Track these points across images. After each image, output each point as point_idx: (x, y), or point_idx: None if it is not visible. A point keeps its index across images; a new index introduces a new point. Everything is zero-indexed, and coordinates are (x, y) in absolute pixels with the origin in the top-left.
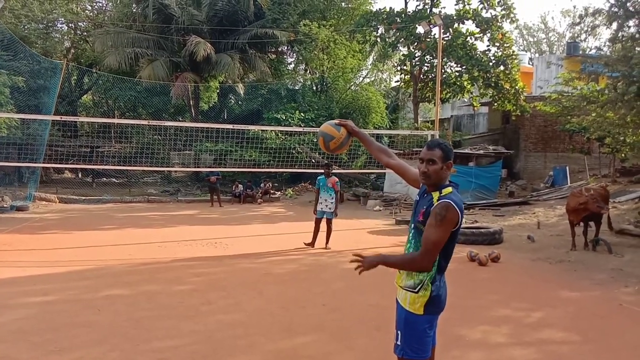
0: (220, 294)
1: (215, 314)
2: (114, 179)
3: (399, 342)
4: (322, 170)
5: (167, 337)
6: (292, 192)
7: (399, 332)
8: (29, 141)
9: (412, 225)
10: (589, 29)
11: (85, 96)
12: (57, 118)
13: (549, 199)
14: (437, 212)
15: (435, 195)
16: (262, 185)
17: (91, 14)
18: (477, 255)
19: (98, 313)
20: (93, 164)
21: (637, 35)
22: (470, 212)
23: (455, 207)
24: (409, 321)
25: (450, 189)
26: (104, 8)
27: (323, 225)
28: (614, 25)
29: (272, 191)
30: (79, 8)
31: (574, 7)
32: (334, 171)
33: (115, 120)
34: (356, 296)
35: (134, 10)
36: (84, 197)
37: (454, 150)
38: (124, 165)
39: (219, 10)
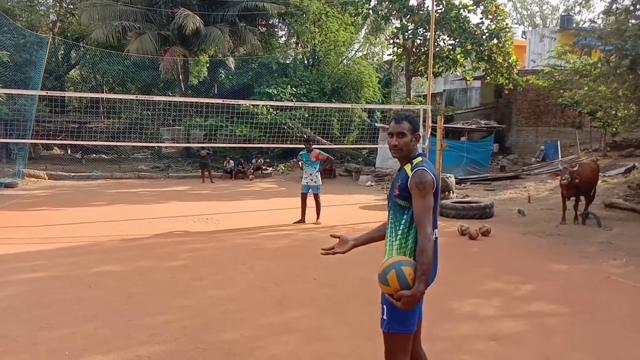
0: (212, 270)
1: (206, 289)
2: (103, 155)
3: (385, 317)
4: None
5: (158, 312)
6: (283, 168)
7: (384, 306)
8: (16, 117)
9: (390, 199)
10: (583, 2)
11: (72, 71)
12: (44, 93)
13: (540, 173)
14: (416, 181)
15: (408, 167)
16: (253, 161)
17: None
18: (468, 230)
19: (89, 289)
20: (82, 140)
21: (631, 8)
22: (462, 186)
23: (428, 171)
24: None
25: (420, 158)
26: None
27: (311, 201)
28: None
29: (263, 167)
30: None
31: None
32: (325, 147)
33: (104, 95)
34: (348, 271)
35: None
36: (73, 174)
37: (446, 125)
38: (113, 141)
39: None
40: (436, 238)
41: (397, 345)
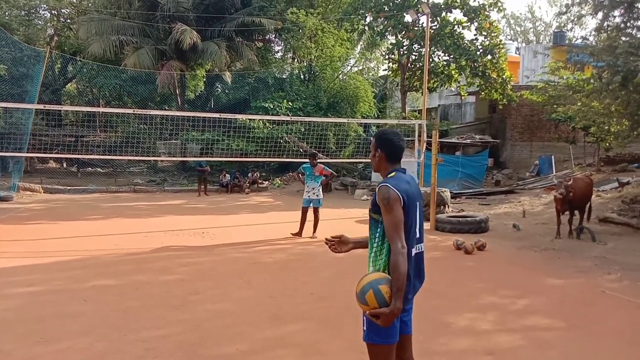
0: (208, 284)
1: (203, 303)
2: (99, 169)
3: (364, 328)
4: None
5: (154, 327)
6: (280, 182)
7: (364, 318)
8: (12, 130)
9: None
10: (575, 19)
11: (69, 85)
12: (41, 107)
13: (534, 187)
14: (381, 197)
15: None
16: (249, 174)
17: (74, 0)
18: (463, 244)
19: (85, 303)
20: (78, 154)
21: (622, 25)
22: (457, 200)
23: (391, 186)
24: None
25: (393, 173)
26: None
27: (310, 214)
28: (600, 14)
29: (259, 181)
30: None
31: None
32: (321, 161)
33: (100, 109)
34: (343, 284)
35: None
36: (69, 187)
37: (441, 140)
38: (109, 155)
39: None
40: (421, 252)
41: (378, 357)
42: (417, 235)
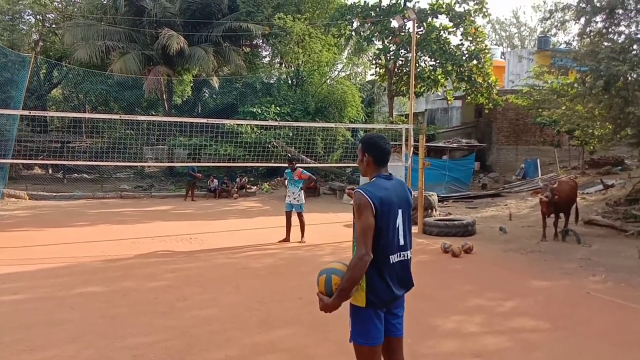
0: (196, 290)
1: (190, 309)
2: (85, 175)
3: (350, 330)
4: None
5: (142, 333)
6: (268, 187)
7: (350, 319)
8: None
9: None
10: (559, 24)
11: (54, 90)
12: (26, 113)
13: (520, 191)
14: (354, 204)
15: None
16: (237, 180)
17: (60, 5)
18: (451, 247)
19: (71, 311)
20: (64, 160)
21: (604, 31)
22: (444, 204)
23: (363, 192)
24: (354, 312)
25: (374, 179)
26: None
27: (295, 219)
28: (582, 20)
29: (248, 186)
30: None
31: (544, 1)
32: (309, 165)
33: (87, 115)
34: None
35: (105, 1)
36: (54, 194)
37: (428, 144)
38: (95, 161)
39: (192, 2)
40: (407, 260)
41: (362, 357)
42: (402, 243)
